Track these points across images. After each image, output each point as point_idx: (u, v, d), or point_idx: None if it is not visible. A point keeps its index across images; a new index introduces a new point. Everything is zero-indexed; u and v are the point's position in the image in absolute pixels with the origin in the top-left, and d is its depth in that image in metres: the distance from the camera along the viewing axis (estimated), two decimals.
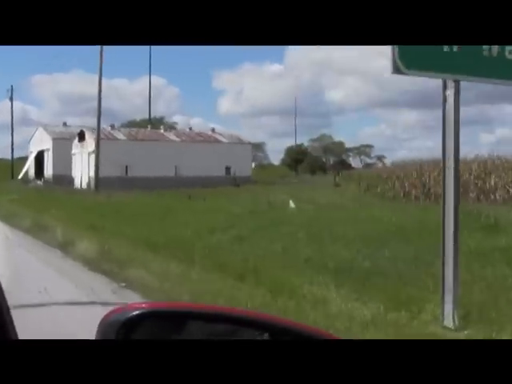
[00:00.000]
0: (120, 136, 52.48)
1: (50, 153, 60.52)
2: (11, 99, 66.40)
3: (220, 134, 59.31)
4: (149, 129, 60.86)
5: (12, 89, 66.85)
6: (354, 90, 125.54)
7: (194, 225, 14.32)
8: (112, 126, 54.02)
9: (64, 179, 54.09)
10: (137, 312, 1.25)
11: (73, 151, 55.48)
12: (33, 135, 67.58)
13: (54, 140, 60.34)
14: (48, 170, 61.39)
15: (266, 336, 1.25)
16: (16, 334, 1.18)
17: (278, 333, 1.26)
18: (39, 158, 63.66)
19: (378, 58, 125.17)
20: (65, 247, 11.62)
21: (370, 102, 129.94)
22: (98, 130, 40.83)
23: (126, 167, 52.17)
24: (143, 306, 1.31)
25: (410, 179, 23.96)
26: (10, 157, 73.96)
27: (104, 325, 1.24)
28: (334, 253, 8.69)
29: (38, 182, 60.13)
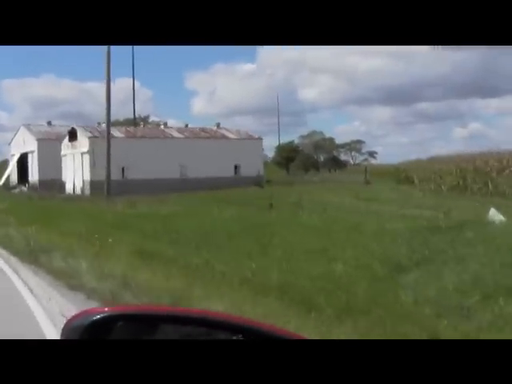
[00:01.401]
0: (117, 133, 46.29)
1: (35, 155, 54.05)
2: None
3: (226, 130, 53.49)
4: (142, 126, 54.96)
5: None
6: (327, 87, 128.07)
7: (339, 254, 8.64)
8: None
9: (53, 184, 47.72)
10: (100, 315, 1.22)
11: (62, 152, 49.09)
12: (14, 136, 60.90)
13: (39, 141, 53.89)
14: (33, 175, 54.90)
15: (239, 338, 1.23)
16: None
17: (252, 335, 1.23)
18: (22, 162, 57.12)
19: (351, 55, 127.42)
20: None
21: (344, 100, 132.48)
22: (107, 125, 35.00)
23: (123, 169, 45.96)
24: (106, 309, 1.25)
25: None
26: None
27: (67, 329, 1.20)
28: None
29: (23, 188, 53.64)
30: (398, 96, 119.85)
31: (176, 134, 49.12)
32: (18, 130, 60.06)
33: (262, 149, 52.88)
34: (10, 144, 62.02)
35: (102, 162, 43.87)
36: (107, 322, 1.21)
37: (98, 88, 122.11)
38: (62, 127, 58.80)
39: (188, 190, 44.19)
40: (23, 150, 56.68)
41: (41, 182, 52.77)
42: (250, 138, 52.94)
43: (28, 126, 57.55)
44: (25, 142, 56.74)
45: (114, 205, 23.21)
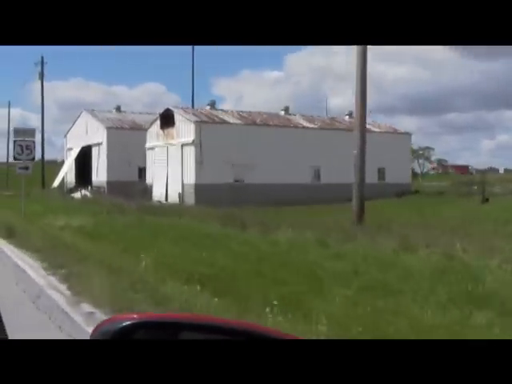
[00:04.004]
0: (230, 118, 32.81)
1: (103, 148, 40.94)
2: (41, 76, 46.82)
3: (369, 123, 39.66)
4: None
5: (42, 61, 47.24)
6: (353, 95, 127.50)
7: None
8: (212, 105, 34.25)
9: (126, 187, 34.50)
10: (128, 322, 1.24)
11: (149, 144, 35.72)
12: (72, 126, 47.99)
13: (110, 130, 40.77)
14: (99, 174, 41.80)
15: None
16: (6, 335, 1.25)
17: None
18: (83, 158, 44.09)
19: (377, 63, 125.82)
20: None
21: (370, 108, 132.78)
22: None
23: (240, 170, 32.11)
24: (134, 316, 1.29)
25: None
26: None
27: (95, 335, 1.23)
28: None
29: (85, 192, 40.48)
30: (425, 106, 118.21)
31: (305, 124, 35.42)
32: (77, 118, 47.09)
33: (411, 147, 38.82)
34: (65, 136, 49.16)
35: (213, 158, 30.38)
36: (134, 329, 1.23)
37: (124, 91, 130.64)
38: (134, 114, 45.87)
39: (323, 201, 30.53)
40: (85, 143, 43.70)
41: (110, 183, 39.72)
42: (396, 132, 39.03)
43: (92, 112, 44.52)
44: (88, 132, 43.76)
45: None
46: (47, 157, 59.00)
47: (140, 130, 40.63)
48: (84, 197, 38.17)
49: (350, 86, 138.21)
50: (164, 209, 23.38)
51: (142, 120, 43.19)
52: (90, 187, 42.17)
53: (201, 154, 30.07)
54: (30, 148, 21.04)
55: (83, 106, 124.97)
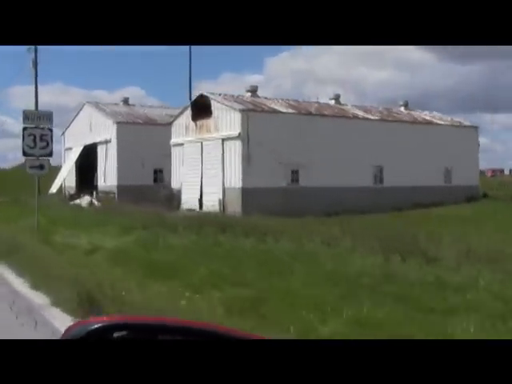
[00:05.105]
0: (280, 107, 26.76)
1: (113, 146, 34.66)
2: (35, 63, 40.23)
3: (420, 113, 33.92)
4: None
5: (36, 50, 40.62)
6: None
7: None
8: (253, 91, 28.09)
9: (147, 193, 28.35)
10: (98, 325, 1.22)
11: (175, 140, 29.47)
12: (72, 121, 41.54)
13: (120, 125, 34.50)
14: (107, 178, 35.51)
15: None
16: None
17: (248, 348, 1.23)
18: (87, 158, 37.75)
19: (358, 67, 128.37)
20: None
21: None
22: None
23: (295, 170, 26.12)
24: (104, 319, 1.27)
25: None
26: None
27: (66, 337, 1.21)
28: None
29: (90, 199, 34.13)
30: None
31: (363, 114, 29.55)
32: (78, 112, 40.69)
33: (478, 144, 33.20)
34: (63, 134, 42.71)
35: (262, 156, 24.37)
36: (104, 331, 1.21)
37: (105, 95, 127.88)
38: (145, 107, 39.75)
39: (387, 208, 24.83)
40: (88, 141, 37.36)
41: (121, 188, 33.48)
42: (461, 125, 33.36)
43: (98, 105, 38.19)
44: (92, 129, 37.45)
45: None
46: None
47: (155, 125, 34.60)
48: (91, 204, 31.92)
49: (331, 88, 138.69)
50: (227, 222, 17.28)
51: (155, 114, 37.16)
52: (95, 193, 35.87)
53: (248, 151, 24.04)
54: (45, 139, 14.92)
55: (64, 112, 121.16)
